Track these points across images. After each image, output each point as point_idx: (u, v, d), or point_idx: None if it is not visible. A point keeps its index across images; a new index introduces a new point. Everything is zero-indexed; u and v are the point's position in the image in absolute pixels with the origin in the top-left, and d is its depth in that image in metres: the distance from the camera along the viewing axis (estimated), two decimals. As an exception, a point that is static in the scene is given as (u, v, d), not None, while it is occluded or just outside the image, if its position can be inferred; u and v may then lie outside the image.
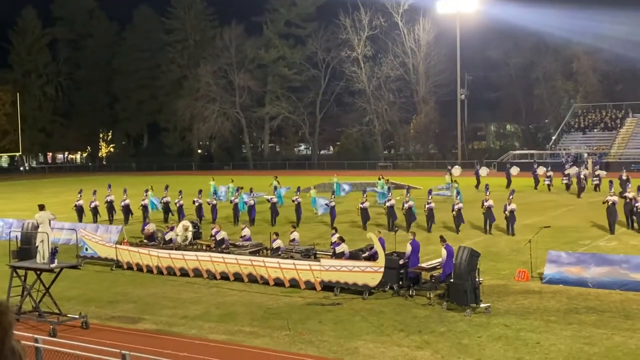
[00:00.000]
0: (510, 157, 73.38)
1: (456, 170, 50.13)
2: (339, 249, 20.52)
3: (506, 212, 28.52)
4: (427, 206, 30.02)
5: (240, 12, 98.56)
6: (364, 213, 31.40)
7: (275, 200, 34.80)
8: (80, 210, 35.80)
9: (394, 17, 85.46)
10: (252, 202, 34.46)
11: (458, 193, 41.16)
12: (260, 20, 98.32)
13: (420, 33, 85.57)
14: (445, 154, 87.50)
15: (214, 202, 35.65)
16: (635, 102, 77.48)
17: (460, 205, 29.95)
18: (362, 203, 31.47)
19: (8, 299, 16.15)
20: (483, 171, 50.47)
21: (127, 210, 35.61)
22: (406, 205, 30.18)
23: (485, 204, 29.17)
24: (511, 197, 29.43)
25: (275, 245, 22.17)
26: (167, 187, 36.98)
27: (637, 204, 28.52)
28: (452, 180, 43.47)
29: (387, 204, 31.15)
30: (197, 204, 35.05)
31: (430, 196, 31.07)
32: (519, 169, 50.15)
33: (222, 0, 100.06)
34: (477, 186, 46.60)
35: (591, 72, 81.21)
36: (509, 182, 47.34)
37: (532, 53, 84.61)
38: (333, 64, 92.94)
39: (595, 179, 44.40)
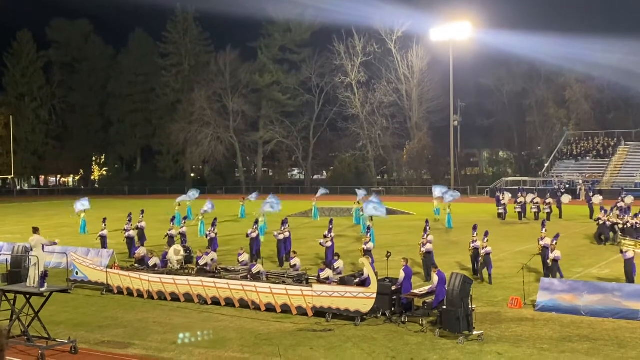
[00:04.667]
0: (502, 184, 73.54)
1: (507, 195, 47.33)
2: (323, 274, 20.43)
3: (548, 261, 23.20)
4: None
5: (235, 38, 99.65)
6: (369, 255, 24.20)
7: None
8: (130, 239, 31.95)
9: (388, 43, 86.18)
10: (213, 235, 30.65)
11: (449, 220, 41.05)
12: (255, 46, 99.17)
13: (414, 60, 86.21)
14: (438, 179, 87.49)
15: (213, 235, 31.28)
16: (627, 129, 78.07)
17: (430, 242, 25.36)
18: (365, 243, 25.70)
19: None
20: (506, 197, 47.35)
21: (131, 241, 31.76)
22: (423, 249, 25.07)
23: (471, 245, 24.91)
24: (555, 242, 23.56)
25: (254, 270, 21.97)
26: (185, 218, 35.64)
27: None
28: (446, 206, 43.23)
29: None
30: (209, 237, 30.98)
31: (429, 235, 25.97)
32: (510, 195, 48.39)
33: (217, 25, 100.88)
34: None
35: (583, 100, 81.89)
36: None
37: (524, 81, 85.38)
38: (327, 90, 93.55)
39: (546, 207, 43.70)
